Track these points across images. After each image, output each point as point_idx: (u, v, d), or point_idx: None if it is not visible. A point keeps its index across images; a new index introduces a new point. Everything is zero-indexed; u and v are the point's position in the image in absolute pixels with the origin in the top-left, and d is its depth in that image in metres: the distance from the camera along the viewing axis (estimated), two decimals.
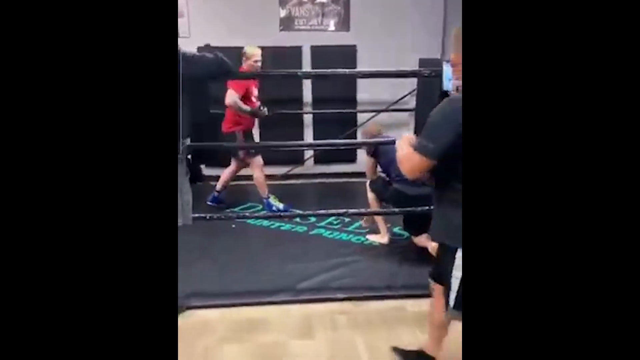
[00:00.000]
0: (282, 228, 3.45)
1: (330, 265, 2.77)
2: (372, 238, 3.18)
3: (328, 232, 3.37)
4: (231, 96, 3.39)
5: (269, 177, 4.76)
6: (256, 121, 3.88)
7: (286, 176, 4.78)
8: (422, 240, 2.97)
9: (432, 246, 2.93)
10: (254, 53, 3.48)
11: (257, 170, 3.69)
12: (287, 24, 4.71)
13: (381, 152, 2.96)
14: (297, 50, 4.61)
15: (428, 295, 2.44)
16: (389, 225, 3.22)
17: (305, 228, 3.44)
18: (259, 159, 3.68)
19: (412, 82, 4.44)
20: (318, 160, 4.95)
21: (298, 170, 4.87)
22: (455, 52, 1.44)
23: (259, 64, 3.50)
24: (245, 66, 3.49)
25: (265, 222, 3.52)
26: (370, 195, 3.09)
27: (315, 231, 3.38)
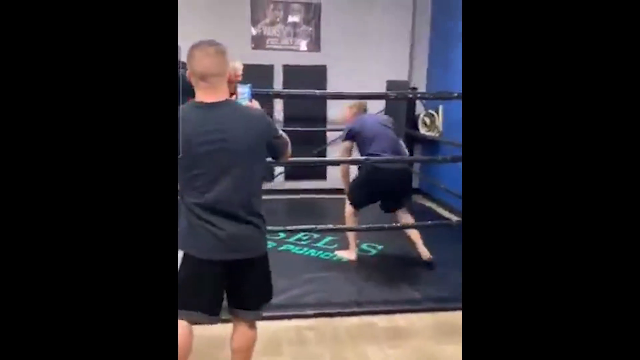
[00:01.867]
0: None
1: (299, 281, 2.78)
2: (340, 254, 3.22)
3: (297, 248, 3.38)
4: None
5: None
6: None
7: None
8: (403, 215, 3.07)
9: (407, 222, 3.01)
10: (235, 67, 3.52)
11: None
12: (258, 42, 4.77)
13: (357, 131, 3.03)
14: (269, 68, 4.68)
15: (397, 311, 2.50)
16: (357, 241, 3.26)
17: (274, 244, 3.44)
18: None
19: (381, 103, 4.57)
20: (288, 176, 4.98)
21: (268, 186, 4.88)
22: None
23: (240, 78, 3.52)
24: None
25: None
26: (349, 210, 3.10)
27: (284, 247, 3.39)
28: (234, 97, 1.63)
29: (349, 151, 3.11)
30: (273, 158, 1.65)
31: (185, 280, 1.38)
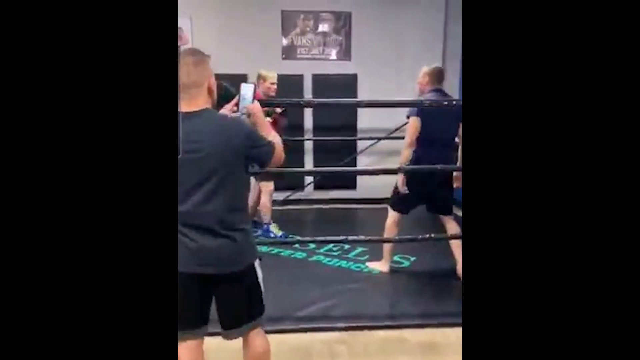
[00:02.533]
0: (281, 254, 3.42)
1: (329, 293, 2.74)
2: (372, 266, 3.14)
3: (327, 259, 3.34)
4: None
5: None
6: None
7: (286, 202, 4.77)
8: (451, 224, 2.88)
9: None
10: (270, 75, 3.54)
11: (266, 195, 3.68)
12: (289, 52, 4.80)
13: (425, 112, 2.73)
14: (299, 78, 4.69)
15: (429, 325, 2.42)
16: (392, 253, 3.19)
17: (304, 254, 3.41)
18: (269, 184, 3.68)
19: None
20: (318, 186, 4.96)
21: (298, 195, 4.87)
22: None
23: (275, 86, 3.54)
24: (261, 89, 3.49)
25: (265, 248, 3.49)
26: (391, 219, 2.95)
27: (314, 258, 3.36)
28: (268, 118, 1.60)
29: (418, 130, 2.72)
30: (260, 166, 1.60)
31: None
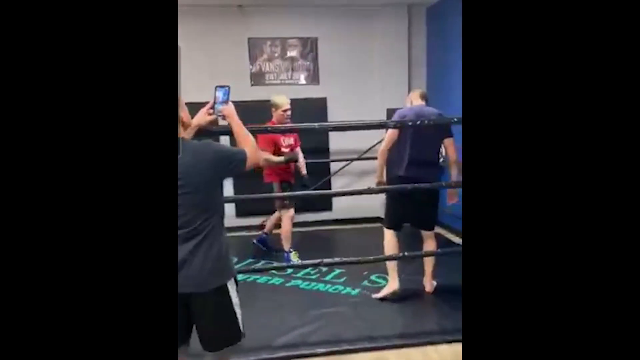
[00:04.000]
0: (258, 281, 3.37)
1: (308, 318, 2.71)
2: (383, 294, 2.97)
3: (305, 283, 3.31)
4: (266, 157, 3.29)
5: (245, 228, 4.72)
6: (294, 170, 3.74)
7: (262, 226, 4.73)
8: (429, 241, 2.94)
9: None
10: (283, 102, 3.37)
11: (286, 221, 3.63)
12: (257, 79, 4.85)
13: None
14: (269, 104, 4.72)
15: (409, 345, 2.41)
16: (365, 272, 3.19)
17: (281, 280, 3.37)
18: (290, 211, 3.62)
19: (381, 132, 4.58)
20: (295, 209, 4.95)
21: None
22: None
23: (289, 112, 3.39)
24: (274, 117, 3.39)
25: (241, 276, 3.43)
26: (387, 238, 2.94)
27: (291, 283, 3.32)
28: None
29: (393, 142, 2.80)
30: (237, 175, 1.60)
31: None
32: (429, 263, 3.02)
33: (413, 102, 2.98)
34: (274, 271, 3.48)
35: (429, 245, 2.97)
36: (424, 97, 3.01)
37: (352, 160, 4.82)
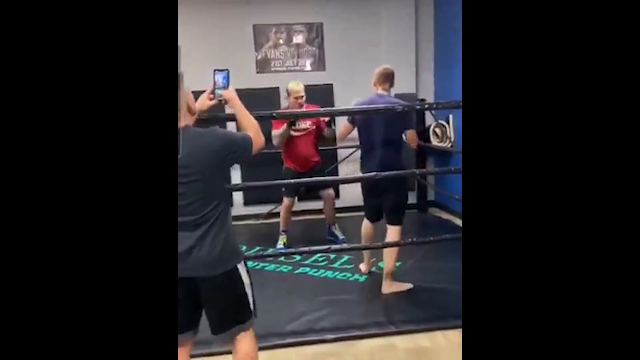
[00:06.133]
0: (266, 268, 3.39)
1: (317, 305, 2.72)
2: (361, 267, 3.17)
3: (313, 270, 3.32)
4: (273, 134, 3.44)
5: (251, 217, 4.74)
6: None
7: (270, 215, 4.74)
8: (392, 231, 2.85)
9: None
10: (295, 89, 3.47)
11: (328, 201, 3.84)
12: (263, 66, 4.81)
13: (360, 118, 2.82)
14: (275, 91, 4.69)
15: (417, 330, 2.41)
16: (373, 259, 3.19)
17: (290, 267, 3.39)
18: (329, 192, 3.80)
19: None
20: (301, 197, 4.94)
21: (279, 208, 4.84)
22: None
23: (301, 100, 3.47)
24: (288, 102, 3.52)
25: (250, 263, 3.44)
26: (366, 226, 2.98)
27: (300, 270, 3.33)
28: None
29: (345, 134, 2.94)
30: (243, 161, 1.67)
31: None
32: (388, 254, 2.82)
33: (376, 87, 2.84)
34: (282, 258, 3.50)
35: (390, 235, 2.81)
36: (387, 78, 2.78)
37: (359, 147, 4.79)
